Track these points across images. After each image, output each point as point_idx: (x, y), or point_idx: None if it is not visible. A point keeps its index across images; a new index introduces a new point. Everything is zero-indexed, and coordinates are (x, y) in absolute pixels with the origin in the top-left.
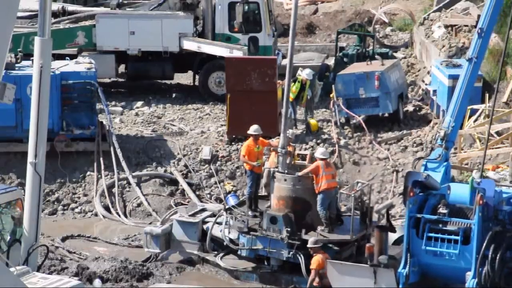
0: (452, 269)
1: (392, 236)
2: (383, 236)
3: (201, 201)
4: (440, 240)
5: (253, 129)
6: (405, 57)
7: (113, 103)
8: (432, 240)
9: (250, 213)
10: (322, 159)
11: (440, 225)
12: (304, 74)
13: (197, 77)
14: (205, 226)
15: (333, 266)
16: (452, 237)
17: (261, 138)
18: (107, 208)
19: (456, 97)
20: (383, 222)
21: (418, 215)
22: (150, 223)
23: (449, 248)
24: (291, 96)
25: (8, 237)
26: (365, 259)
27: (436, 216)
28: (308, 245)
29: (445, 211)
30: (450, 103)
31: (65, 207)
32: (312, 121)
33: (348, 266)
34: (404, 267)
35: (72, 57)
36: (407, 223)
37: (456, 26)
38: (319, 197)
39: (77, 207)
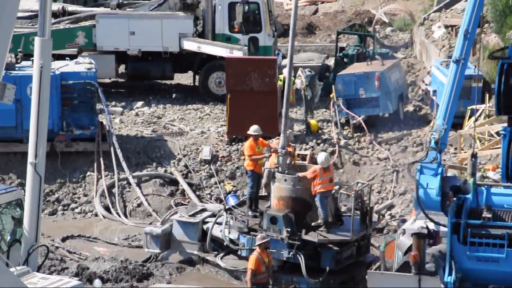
0: (498, 273)
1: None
2: (422, 244)
3: (201, 201)
4: (484, 244)
5: (253, 129)
6: (405, 57)
7: (113, 103)
8: (475, 245)
9: (250, 213)
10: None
11: (484, 230)
12: (283, 71)
13: (197, 77)
14: (205, 226)
15: (372, 276)
16: (497, 241)
17: (260, 139)
18: (107, 208)
19: (447, 100)
20: (386, 223)
21: (461, 221)
22: (150, 223)
23: (495, 252)
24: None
25: (8, 237)
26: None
27: (481, 221)
28: (258, 243)
29: (489, 215)
30: (440, 106)
31: (65, 207)
32: (312, 121)
33: (390, 276)
34: (450, 274)
35: (72, 57)
36: (450, 230)
37: (456, 26)
38: (317, 199)
39: (77, 207)
